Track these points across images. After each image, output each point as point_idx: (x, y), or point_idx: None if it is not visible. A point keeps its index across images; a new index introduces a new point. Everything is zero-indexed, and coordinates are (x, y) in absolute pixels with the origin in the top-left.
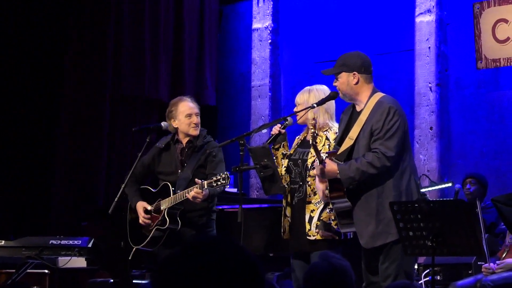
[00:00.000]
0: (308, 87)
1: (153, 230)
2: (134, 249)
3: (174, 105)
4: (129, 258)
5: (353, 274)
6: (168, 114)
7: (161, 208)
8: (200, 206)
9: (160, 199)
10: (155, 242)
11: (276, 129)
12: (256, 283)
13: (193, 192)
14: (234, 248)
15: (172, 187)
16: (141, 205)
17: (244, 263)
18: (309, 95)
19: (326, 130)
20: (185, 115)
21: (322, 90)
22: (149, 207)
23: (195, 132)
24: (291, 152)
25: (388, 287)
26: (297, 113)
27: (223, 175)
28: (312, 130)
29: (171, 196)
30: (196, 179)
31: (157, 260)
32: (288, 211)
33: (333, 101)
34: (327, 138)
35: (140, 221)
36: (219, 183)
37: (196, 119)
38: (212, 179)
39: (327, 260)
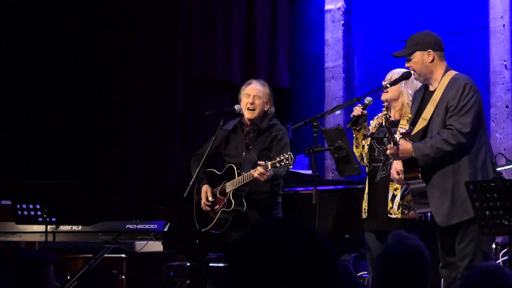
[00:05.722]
0: (403, 69)
1: (219, 212)
2: (201, 231)
3: (242, 86)
4: (197, 241)
5: (429, 255)
6: (239, 95)
7: (227, 190)
8: (265, 189)
9: (225, 182)
10: (222, 224)
11: (358, 110)
12: (327, 263)
13: (258, 171)
14: (303, 229)
15: (237, 169)
16: (205, 189)
17: (314, 244)
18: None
19: None
20: (245, 95)
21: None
22: (210, 197)
23: (249, 114)
24: (373, 131)
25: (476, 268)
26: (384, 90)
27: (286, 155)
28: (385, 112)
29: (236, 178)
30: (259, 161)
31: (226, 243)
32: (367, 190)
33: (416, 81)
34: None
35: (202, 205)
36: (283, 163)
37: (252, 100)
38: (276, 159)
39: (401, 241)
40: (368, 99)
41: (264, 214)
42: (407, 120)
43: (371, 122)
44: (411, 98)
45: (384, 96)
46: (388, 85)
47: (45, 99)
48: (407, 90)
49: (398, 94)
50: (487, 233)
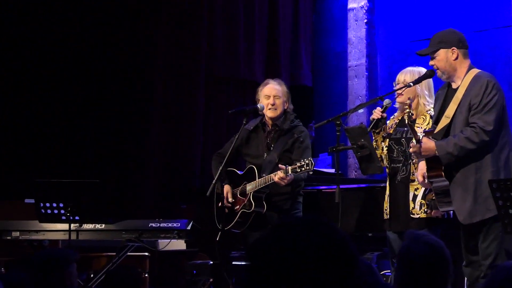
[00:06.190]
0: (415, 68)
1: (239, 213)
2: (221, 230)
3: (260, 87)
4: (217, 239)
5: (448, 250)
6: (256, 96)
7: (247, 191)
8: (285, 190)
9: (245, 182)
10: (242, 223)
11: (377, 113)
12: (347, 262)
13: (278, 176)
14: (323, 228)
15: (257, 171)
16: (226, 190)
17: (333, 243)
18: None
19: (430, 110)
20: (264, 96)
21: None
22: (230, 199)
23: (270, 114)
24: (391, 131)
25: (501, 266)
26: (397, 92)
27: (307, 161)
28: (408, 110)
29: (257, 179)
30: (280, 165)
31: (246, 243)
32: (388, 191)
33: (431, 80)
34: (431, 117)
35: (225, 203)
36: (303, 169)
37: (272, 101)
38: (296, 164)
39: (419, 239)
40: (387, 101)
41: (284, 215)
42: (423, 119)
43: (387, 122)
44: (426, 97)
45: (399, 99)
46: (411, 84)
47: (66, 99)
48: (423, 90)
49: (414, 94)
50: (510, 231)
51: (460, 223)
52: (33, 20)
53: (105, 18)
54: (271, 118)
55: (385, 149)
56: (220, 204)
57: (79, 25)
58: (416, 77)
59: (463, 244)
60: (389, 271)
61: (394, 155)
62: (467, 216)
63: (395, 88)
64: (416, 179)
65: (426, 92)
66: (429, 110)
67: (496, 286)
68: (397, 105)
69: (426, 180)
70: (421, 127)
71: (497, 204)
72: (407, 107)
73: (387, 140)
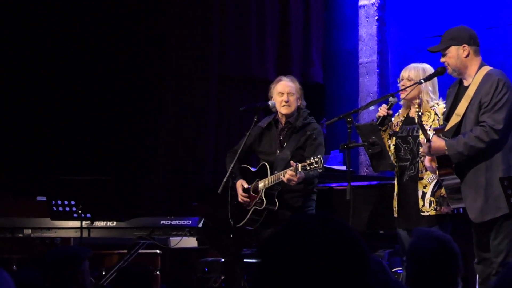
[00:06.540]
0: (419, 64)
1: (252, 209)
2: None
3: (272, 84)
4: (231, 236)
5: (455, 244)
6: (269, 93)
7: (259, 188)
8: (297, 188)
9: (258, 179)
10: (255, 221)
11: (383, 111)
12: (357, 259)
13: (287, 175)
14: (334, 225)
15: (270, 168)
16: (240, 183)
17: (344, 240)
18: (425, 73)
19: (433, 106)
20: (277, 93)
21: (430, 69)
22: (246, 185)
23: (285, 110)
24: (397, 129)
25: (511, 265)
26: (405, 89)
27: (316, 159)
28: (417, 109)
29: (269, 177)
30: (291, 162)
31: (259, 240)
32: (396, 189)
33: (436, 78)
34: (436, 114)
35: (239, 199)
36: (312, 166)
37: (286, 97)
38: (306, 162)
39: (428, 236)
40: (392, 99)
41: (297, 212)
42: (428, 115)
43: (392, 119)
44: (430, 94)
45: (404, 95)
46: (423, 80)
47: (79, 99)
48: (426, 86)
49: (418, 90)
50: None
51: (471, 220)
52: (38, 20)
53: (115, 18)
54: (285, 115)
55: (392, 147)
56: (235, 202)
57: (87, 25)
58: (420, 73)
59: (474, 242)
60: (400, 268)
61: (402, 154)
62: (478, 215)
63: (399, 84)
64: (425, 170)
65: (430, 88)
66: (433, 106)
67: (507, 284)
68: (401, 102)
69: (435, 164)
70: (427, 124)
71: (509, 201)
72: (416, 106)
73: (394, 138)
